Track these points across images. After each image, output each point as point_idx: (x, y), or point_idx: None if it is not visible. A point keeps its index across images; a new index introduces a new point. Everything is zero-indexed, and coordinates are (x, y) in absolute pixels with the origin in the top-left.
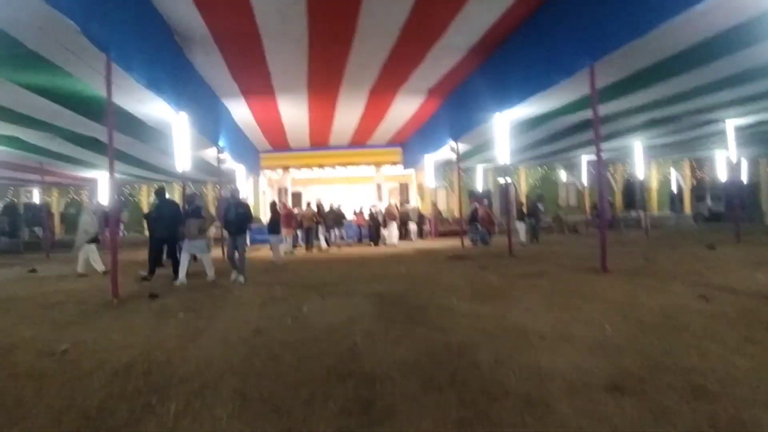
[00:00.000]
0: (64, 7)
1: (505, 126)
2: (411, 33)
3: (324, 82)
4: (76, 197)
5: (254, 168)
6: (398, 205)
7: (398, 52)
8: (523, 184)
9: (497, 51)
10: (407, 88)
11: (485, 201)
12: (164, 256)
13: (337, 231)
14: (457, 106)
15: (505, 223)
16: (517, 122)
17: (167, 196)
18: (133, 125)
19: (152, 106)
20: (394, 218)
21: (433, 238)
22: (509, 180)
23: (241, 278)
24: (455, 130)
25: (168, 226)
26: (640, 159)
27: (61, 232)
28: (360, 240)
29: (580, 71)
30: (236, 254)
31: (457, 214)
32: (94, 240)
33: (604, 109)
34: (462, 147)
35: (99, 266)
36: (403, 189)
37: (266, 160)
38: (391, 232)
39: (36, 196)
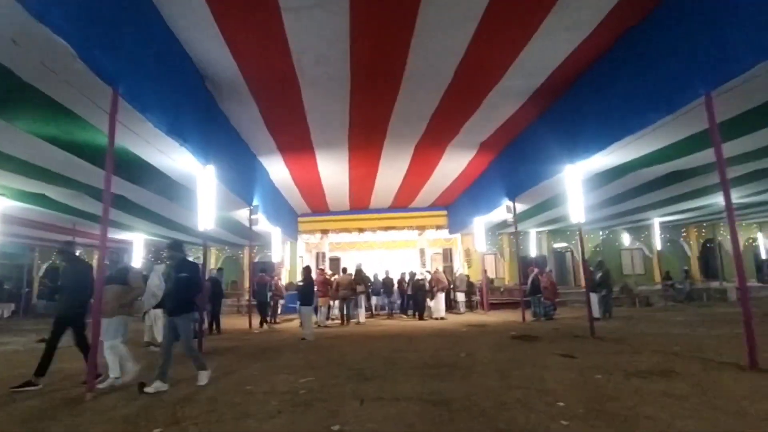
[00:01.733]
0: (60, 28)
1: (577, 180)
2: (464, 78)
3: (366, 137)
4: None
5: (292, 232)
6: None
7: (449, 100)
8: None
9: (567, 92)
10: (457, 143)
11: (547, 268)
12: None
13: (377, 300)
14: (515, 160)
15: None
16: (586, 178)
17: (78, 254)
18: (156, 179)
19: (176, 158)
20: (442, 287)
21: (485, 311)
22: (570, 246)
23: (203, 378)
24: (512, 188)
25: (71, 299)
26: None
27: None
28: (403, 310)
29: (688, 105)
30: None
31: (508, 281)
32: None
33: (690, 161)
34: (518, 207)
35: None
36: (447, 255)
37: (304, 224)
38: (438, 303)
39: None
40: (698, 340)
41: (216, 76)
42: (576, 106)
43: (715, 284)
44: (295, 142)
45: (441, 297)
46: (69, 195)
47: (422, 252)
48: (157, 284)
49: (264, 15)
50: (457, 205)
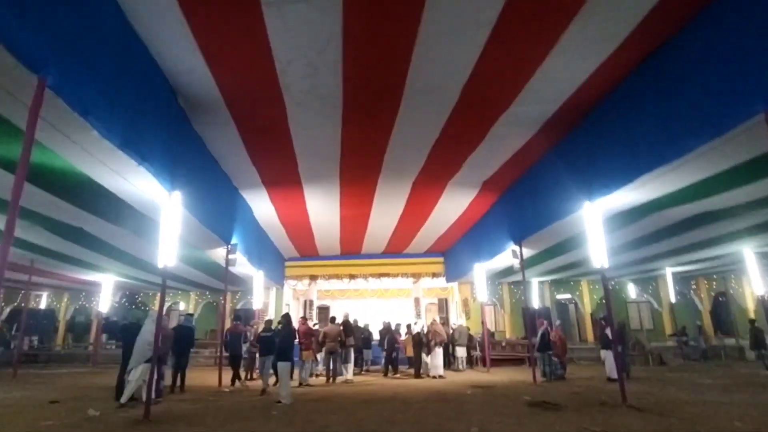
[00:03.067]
0: None
1: (597, 218)
2: (471, 99)
3: (359, 170)
4: (85, 303)
5: (278, 277)
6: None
7: (453, 128)
8: (587, 301)
9: (587, 119)
10: (458, 181)
11: (556, 322)
12: None
13: (367, 354)
14: (522, 199)
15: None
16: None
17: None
18: (115, 208)
19: (137, 182)
20: (440, 341)
21: (487, 368)
22: (570, 300)
23: None
24: (518, 230)
25: None
26: (754, 270)
27: (68, 342)
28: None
29: (739, 126)
30: None
31: (509, 334)
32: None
33: (725, 200)
34: (525, 253)
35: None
36: (443, 305)
37: (292, 269)
38: (435, 359)
39: (43, 302)
40: (748, 410)
41: (188, 88)
42: (597, 134)
43: (730, 341)
44: (281, 175)
45: (439, 352)
46: (18, 226)
47: (417, 301)
48: (152, 331)
49: (240, 9)
50: (454, 252)
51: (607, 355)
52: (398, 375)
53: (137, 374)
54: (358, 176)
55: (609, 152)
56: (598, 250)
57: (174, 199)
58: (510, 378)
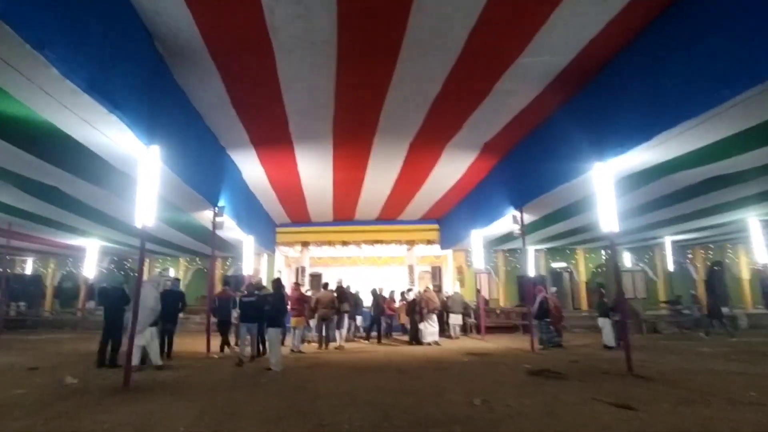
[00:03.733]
0: None
1: (609, 180)
2: (477, 49)
3: (354, 129)
4: (73, 269)
5: (269, 243)
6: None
7: (455, 83)
8: (582, 270)
9: (600, 74)
10: (457, 142)
11: (552, 289)
12: None
13: (360, 321)
14: (526, 162)
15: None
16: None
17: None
18: (90, 165)
19: (113, 135)
20: (433, 308)
21: (482, 336)
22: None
23: None
24: (520, 195)
25: None
26: (758, 238)
27: (55, 307)
28: (388, 333)
29: None
30: None
31: (503, 303)
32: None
33: (743, 162)
34: (526, 218)
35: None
36: (436, 273)
37: (283, 235)
38: (430, 326)
39: (29, 267)
40: (755, 380)
41: (164, 29)
42: (613, 89)
43: (723, 310)
44: (271, 134)
45: (434, 320)
46: None
47: (411, 269)
48: (156, 296)
49: None
50: (450, 218)
51: (605, 323)
52: (384, 342)
53: (145, 339)
54: (353, 136)
55: (626, 108)
56: (608, 213)
57: (152, 154)
58: (506, 346)
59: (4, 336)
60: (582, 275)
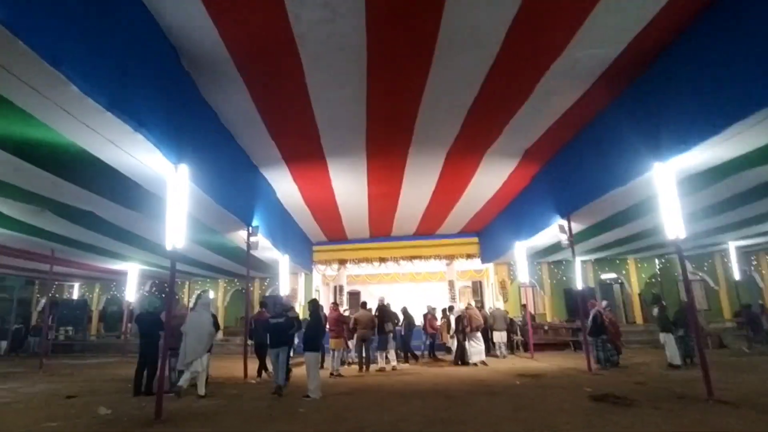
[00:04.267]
0: None
1: (671, 180)
2: (516, 47)
3: (388, 140)
4: (117, 293)
5: (305, 262)
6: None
7: (493, 85)
8: (634, 281)
9: (655, 64)
10: (496, 150)
11: (604, 303)
12: None
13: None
14: (572, 167)
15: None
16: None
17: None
18: (121, 187)
19: (141, 156)
20: (477, 325)
21: (531, 354)
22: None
23: None
24: (566, 203)
25: None
26: None
27: (100, 331)
28: (431, 353)
29: None
30: None
31: (550, 317)
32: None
33: None
34: (573, 228)
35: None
36: (477, 288)
37: (320, 254)
38: (475, 345)
39: (75, 292)
40: None
41: (189, 43)
42: (670, 80)
43: None
44: (303, 149)
45: (479, 338)
46: (26, 211)
47: (451, 284)
48: (210, 320)
49: None
50: (490, 231)
51: (667, 339)
52: (424, 362)
53: (201, 365)
54: (387, 148)
55: (687, 100)
56: (672, 218)
57: (180, 173)
58: (559, 365)
59: (51, 360)
60: (634, 286)
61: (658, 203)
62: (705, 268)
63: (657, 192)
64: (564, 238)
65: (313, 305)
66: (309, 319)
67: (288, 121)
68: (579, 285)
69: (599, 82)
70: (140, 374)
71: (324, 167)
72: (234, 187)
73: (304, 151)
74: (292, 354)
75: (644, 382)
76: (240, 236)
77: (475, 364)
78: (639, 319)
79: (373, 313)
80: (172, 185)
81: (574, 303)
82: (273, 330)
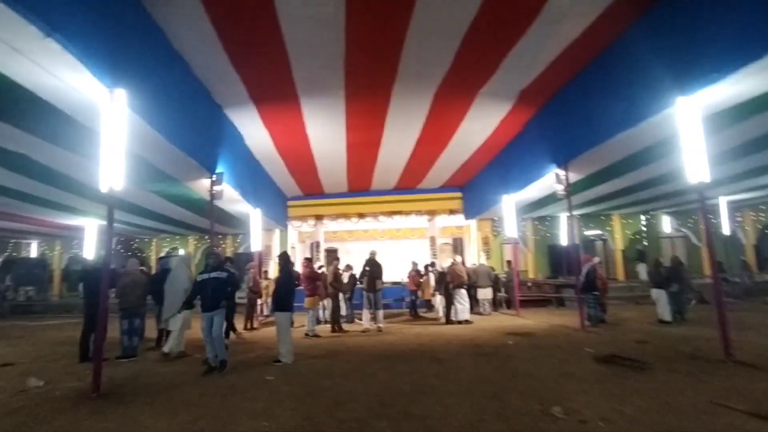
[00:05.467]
0: None
1: (695, 118)
2: None
3: (369, 75)
4: (79, 251)
5: (280, 217)
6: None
7: (489, 12)
8: (619, 237)
9: None
10: (489, 92)
11: (596, 259)
12: None
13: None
14: (573, 109)
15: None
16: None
17: None
18: (56, 123)
19: (66, 77)
20: (459, 282)
21: (517, 311)
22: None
23: None
24: (565, 150)
25: None
26: None
27: (63, 291)
28: (412, 310)
29: None
30: None
31: (532, 274)
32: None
33: None
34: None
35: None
36: (458, 245)
37: (295, 209)
38: (459, 304)
39: (34, 250)
40: None
41: None
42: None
43: None
44: (273, 86)
45: (464, 295)
46: None
47: (433, 241)
48: (189, 277)
49: None
50: (475, 185)
51: (660, 295)
52: (406, 321)
53: (178, 324)
54: (368, 86)
55: (726, 19)
56: (696, 159)
57: (117, 100)
58: (548, 323)
59: (8, 322)
60: (618, 243)
61: (677, 145)
62: (689, 225)
63: (677, 131)
64: (560, 189)
65: (283, 260)
66: (279, 275)
67: (253, 47)
68: (567, 241)
69: (615, 5)
70: (87, 338)
71: (297, 109)
72: (192, 126)
73: (274, 89)
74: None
75: (644, 340)
76: (204, 185)
77: (459, 323)
78: (621, 276)
79: (363, 267)
80: (106, 113)
81: (557, 259)
82: (201, 289)
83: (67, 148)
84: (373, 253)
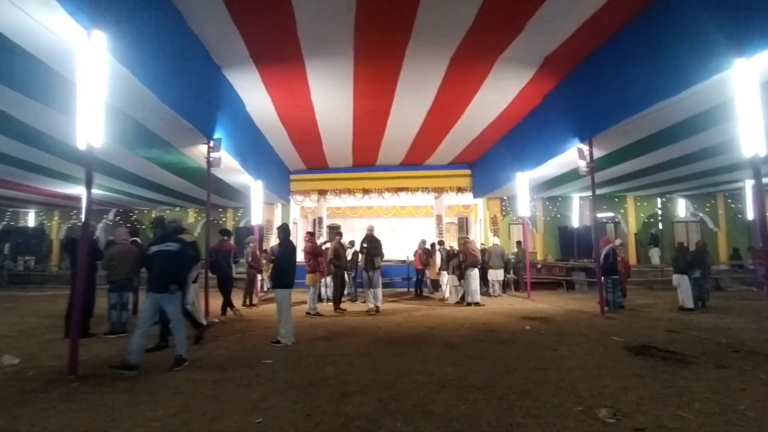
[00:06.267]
0: None
1: (753, 83)
2: None
3: (380, 41)
4: (78, 221)
5: (282, 191)
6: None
7: None
8: (632, 220)
9: None
10: (510, 57)
11: (618, 242)
12: None
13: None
14: (604, 75)
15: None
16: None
17: None
18: (37, 76)
19: (39, 15)
20: (473, 262)
21: (528, 294)
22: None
23: None
24: (591, 122)
25: None
26: None
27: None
28: (418, 290)
29: None
30: None
31: (541, 256)
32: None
33: None
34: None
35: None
36: (463, 225)
37: (298, 183)
38: (471, 283)
39: (31, 220)
40: None
41: None
42: None
43: None
44: (275, 44)
45: (475, 275)
46: None
47: (439, 219)
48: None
49: None
50: (486, 162)
51: (682, 281)
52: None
53: (190, 298)
54: (379, 47)
55: None
56: (753, 130)
57: (95, 42)
58: (562, 307)
59: (4, 292)
60: (631, 226)
61: (723, 115)
62: (707, 209)
63: (731, 99)
64: (583, 165)
65: (284, 232)
66: (279, 248)
67: (258, 11)
68: (579, 222)
69: None
70: (70, 313)
71: (302, 72)
72: (187, 84)
73: (278, 47)
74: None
75: (675, 329)
76: (201, 153)
77: (469, 304)
78: (633, 260)
79: (360, 244)
80: (82, 57)
81: (568, 241)
82: (149, 263)
83: (44, 101)
84: (370, 229)
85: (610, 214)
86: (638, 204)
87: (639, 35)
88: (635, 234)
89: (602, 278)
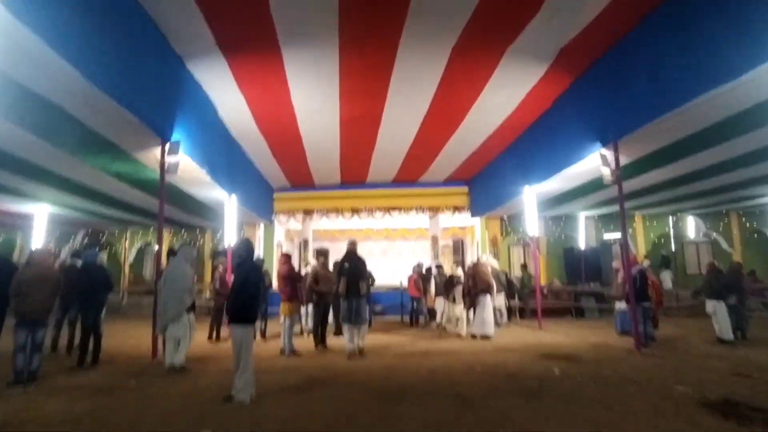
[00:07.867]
0: None
1: None
2: None
3: (369, 26)
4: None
5: (263, 211)
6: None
7: None
8: (641, 240)
9: None
10: (520, 48)
11: (646, 263)
12: None
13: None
14: (633, 68)
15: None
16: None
17: None
18: None
19: None
20: (483, 287)
21: (540, 324)
22: None
23: None
24: (616, 123)
25: None
26: None
27: None
28: (412, 318)
29: None
30: None
31: (545, 280)
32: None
33: None
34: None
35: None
36: (458, 247)
37: (282, 202)
38: (484, 312)
39: None
40: None
41: None
42: None
43: None
44: (246, 30)
45: (488, 303)
46: None
47: (435, 240)
48: (191, 274)
49: None
50: (486, 177)
51: (718, 309)
52: (404, 332)
53: (182, 330)
54: (368, 33)
55: None
56: None
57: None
58: (583, 340)
59: None
60: (640, 247)
61: None
62: (720, 229)
63: None
64: (607, 173)
65: (246, 249)
66: (238, 270)
67: None
68: (581, 244)
69: None
70: None
71: (279, 65)
72: (133, 70)
73: (249, 35)
74: None
75: (746, 373)
76: (156, 157)
77: (474, 337)
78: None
79: (340, 263)
80: None
81: (575, 264)
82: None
83: None
84: (352, 243)
85: (617, 235)
86: (647, 223)
87: (677, 17)
88: (645, 256)
89: (626, 305)
